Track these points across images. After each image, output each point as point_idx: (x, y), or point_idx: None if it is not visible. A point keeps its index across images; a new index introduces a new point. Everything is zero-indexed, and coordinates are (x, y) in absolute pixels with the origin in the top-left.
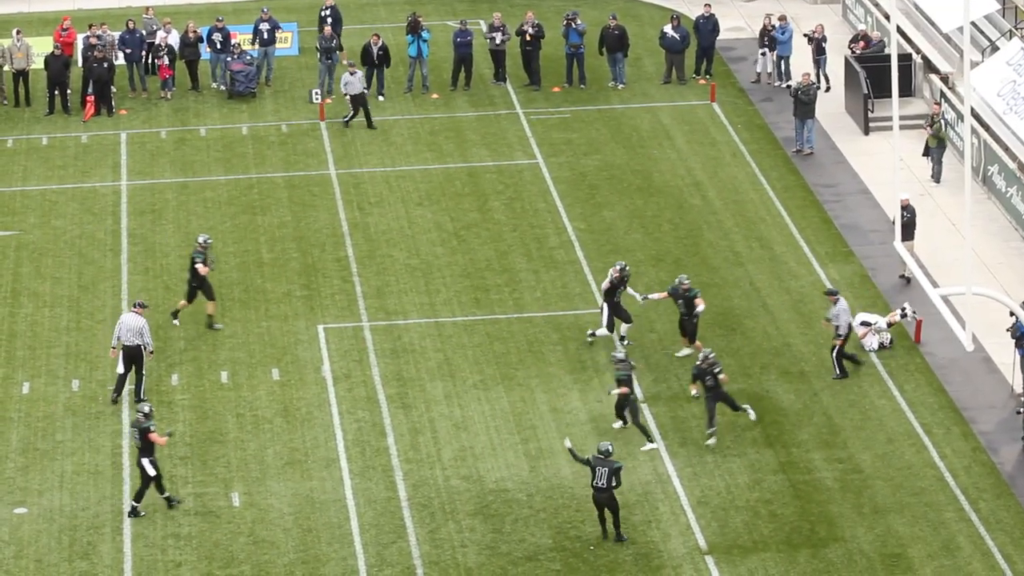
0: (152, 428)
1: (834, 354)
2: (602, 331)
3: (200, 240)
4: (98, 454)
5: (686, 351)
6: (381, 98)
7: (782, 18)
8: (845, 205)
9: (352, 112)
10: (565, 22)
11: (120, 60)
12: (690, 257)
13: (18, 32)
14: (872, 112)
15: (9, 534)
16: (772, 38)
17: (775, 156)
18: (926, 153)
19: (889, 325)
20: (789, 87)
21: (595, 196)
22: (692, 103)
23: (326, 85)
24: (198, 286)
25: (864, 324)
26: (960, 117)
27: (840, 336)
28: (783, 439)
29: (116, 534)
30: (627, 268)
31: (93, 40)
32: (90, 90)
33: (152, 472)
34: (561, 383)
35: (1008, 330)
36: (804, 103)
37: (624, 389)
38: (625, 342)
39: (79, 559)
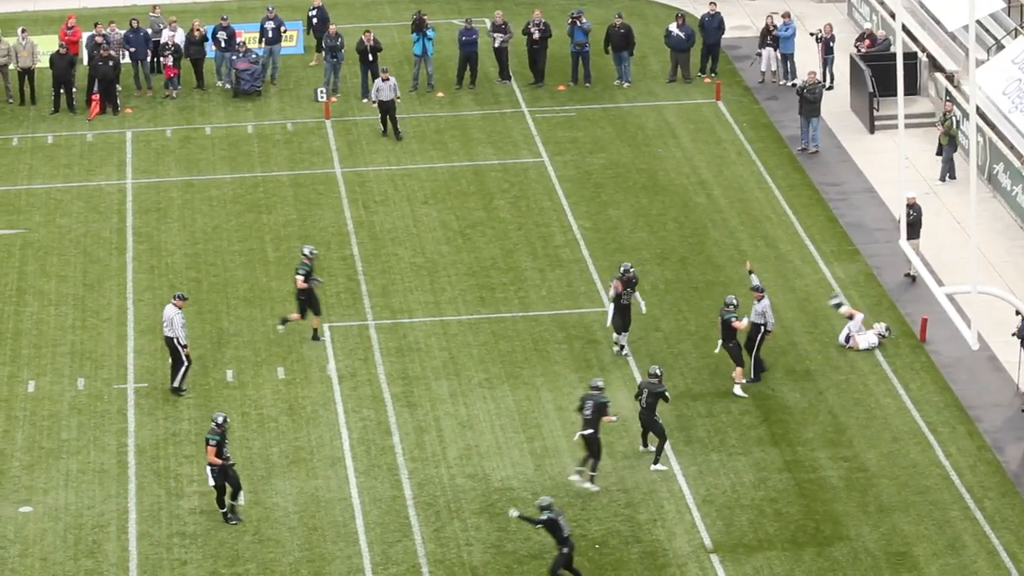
0: (211, 441)
1: (754, 355)
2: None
3: (305, 251)
4: (103, 453)
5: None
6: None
7: (786, 15)
8: (850, 203)
9: (383, 121)
10: (570, 20)
11: (126, 59)
12: (695, 256)
13: (23, 30)
14: (877, 110)
15: (15, 532)
16: (775, 36)
17: (780, 155)
18: (940, 152)
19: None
20: (794, 85)
21: (600, 194)
22: (697, 101)
23: (332, 83)
24: (306, 300)
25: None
26: (965, 116)
27: (768, 333)
28: (788, 437)
29: (121, 532)
30: (631, 269)
31: (98, 39)
32: (95, 89)
33: (211, 482)
34: (566, 381)
35: (1014, 334)
36: (809, 101)
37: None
38: (623, 351)
39: (84, 557)
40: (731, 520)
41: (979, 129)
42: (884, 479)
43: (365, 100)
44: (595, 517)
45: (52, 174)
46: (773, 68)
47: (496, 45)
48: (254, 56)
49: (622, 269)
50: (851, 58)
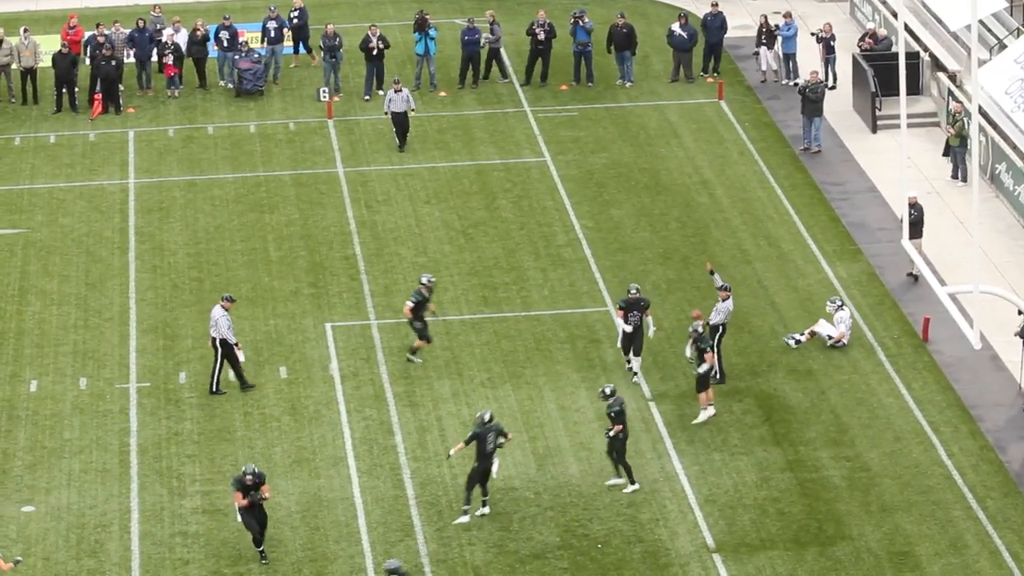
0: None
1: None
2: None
3: (423, 280)
4: (106, 452)
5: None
6: (381, 92)
7: (787, 15)
8: (853, 203)
9: (396, 132)
10: (572, 20)
11: (130, 58)
12: (698, 255)
13: (25, 30)
14: (880, 110)
15: (17, 532)
16: (772, 36)
17: (783, 154)
18: (947, 152)
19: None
20: (796, 85)
21: (603, 194)
22: (700, 101)
23: (332, 83)
24: (422, 326)
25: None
26: (967, 115)
27: (719, 332)
28: (791, 437)
29: (124, 532)
30: (639, 289)
31: (100, 38)
32: (97, 88)
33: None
34: (569, 381)
35: (1017, 334)
36: (812, 101)
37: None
38: (635, 377)
39: (87, 557)
40: (733, 520)
41: (981, 129)
42: (886, 479)
43: (367, 98)
44: (597, 517)
45: (54, 174)
46: (775, 67)
47: (481, 44)
48: (256, 56)
49: (630, 291)
50: (853, 58)
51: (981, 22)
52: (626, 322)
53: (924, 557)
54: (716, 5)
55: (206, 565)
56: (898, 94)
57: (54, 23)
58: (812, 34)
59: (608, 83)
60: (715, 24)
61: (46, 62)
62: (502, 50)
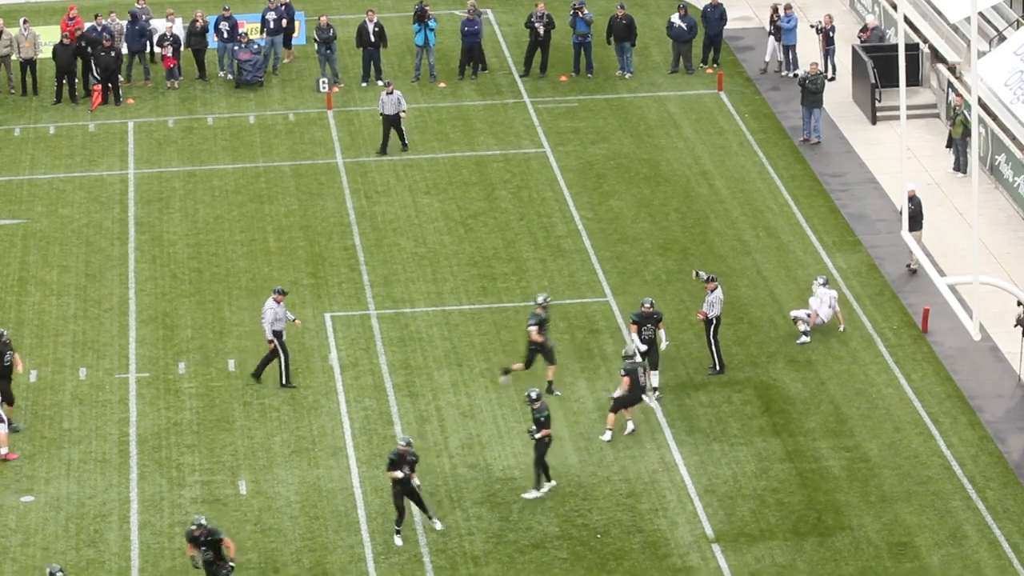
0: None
1: (714, 347)
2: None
3: (539, 300)
4: (105, 442)
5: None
6: (380, 83)
7: (788, 7)
8: (852, 194)
9: (384, 135)
10: (572, 11)
11: (126, 50)
12: (697, 246)
13: (25, 21)
14: (879, 101)
15: (16, 522)
16: (777, 27)
17: (782, 145)
18: (950, 144)
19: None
20: (796, 76)
21: (602, 185)
22: (699, 92)
23: (328, 74)
24: (536, 349)
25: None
26: (967, 107)
27: (713, 323)
28: (790, 427)
29: (123, 522)
30: (653, 303)
31: (98, 28)
32: (97, 79)
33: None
34: (568, 372)
35: (1016, 324)
36: (811, 92)
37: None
38: (656, 394)
39: (86, 547)
40: (733, 510)
41: (981, 121)
42: (886, 469)
43: (364, 84)
44: (596, 507)
45: (54, 164)
46: (779, 59)
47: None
48: (256, 47)
49: (644, 305)
50: (853, 49)
51: (980, 14)
52: (640, 336)
53: (923, 547)
54: None
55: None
56: (898, 85)
57: (54, 14)
58: (812, 26)
59: (608, 74)
60: (715, 15)
61: (45, 53)
62: (482, 43)
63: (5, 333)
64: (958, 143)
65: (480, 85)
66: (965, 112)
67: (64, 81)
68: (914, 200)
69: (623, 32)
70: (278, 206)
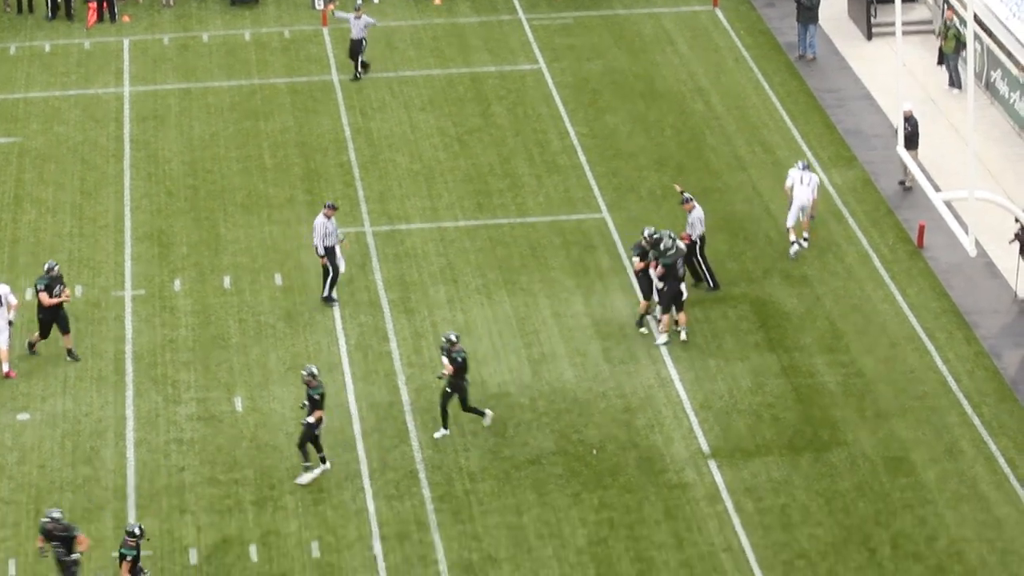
0: (128, 556)
1: (704, 266)
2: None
3: (645, 234)
4: (101, 360)
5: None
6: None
7: None
8: (848, 110)
9: (350, 55)
10: None
11: None
12: (692, 162)
13: None
14: (875, 17)
15: (12, 440)
16: None
17: (777, 61)
18: (941, 61)
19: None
20: None
21: (597, 101)
22: (695, 8)
23: None
24: (647, 282)
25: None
26: (963, 22)
27: (697, 243)
28: (785, 343)
29: (119, 439)
30: (655, 233)
31: None
32: None
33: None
34: (564, 288)
35: (1012, 240)
36: (807, 8)
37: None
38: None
39: (82, 464)
40: (728, 425)
41: (977, 36)
42: (881, 384)
43: (360, 1)
44: (592, 423)
45: (50, 82)
46: None
47: None
48: None
49: (645, 233)
50: None
51: None
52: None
53: (919, 463)
54: None
55: (201, 472)
56: (893, 1)
57: None
58: None
59: None
60: None
61: None
62: None
63: (57, 267)
64: (950, 58)
65: (475, 2)
66: (957, 26)
67: None
68: (911, 120)
69: None
70: (273, 123)
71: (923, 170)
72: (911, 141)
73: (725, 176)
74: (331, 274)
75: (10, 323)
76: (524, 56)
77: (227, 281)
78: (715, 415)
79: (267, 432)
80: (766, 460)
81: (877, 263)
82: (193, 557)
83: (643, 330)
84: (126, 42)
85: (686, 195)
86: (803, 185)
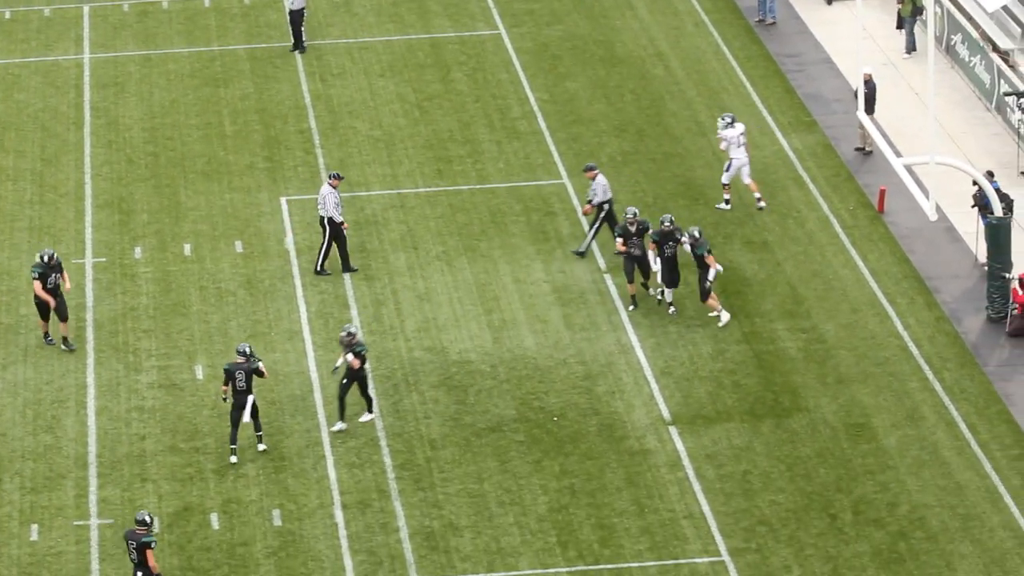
0: (152, 543)
1: (593, 230)
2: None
3: (628, 216)
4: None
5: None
6: None
7: None
8: (808, 75)
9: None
10: None
11: None
12: (653, 127)
13: None
14: None
15: None
16: None
17: (737, 26)
18: (900, 25)
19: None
20: None
21: (558, 67)
22: None
23: None
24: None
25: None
26: None
27: (601, 210)
28: (746, 309)
29: (80, 408)
30: (672, 221)
31: None
32: None
33: None
34: (524, 254)
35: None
36: None
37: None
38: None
39: (43, 433)
40: (689, 392)
41: (937, 0)
42: (842, 350)
43: None
44: (553, 389)
45: (9, 49)
46: None
47: None
48: None
49: (663, 224)
50: None
51: None
52: (662, 254)
53: (880, 428)
54: None
55: (162, 440)
56: None
57: None
58: None
59: None
60: None
61: None
62: None
63: (51, 255)
64: (908, 21)
65: None
66: None
67: None
68: (869, 84)
69: None
70: (233, 90)
71: (884, 135)
72: (868, 105)
73: (685, 141)
74: (324, 247)
75: None
76: (484, 21)
77: (188, 248)
78: (676, 382)
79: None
80: (727, 426)
81: (838, 228)
82: (155, 525)
83: (658, 297)
84: (86, 9)
85: (589, 164)
86: (739, 147)
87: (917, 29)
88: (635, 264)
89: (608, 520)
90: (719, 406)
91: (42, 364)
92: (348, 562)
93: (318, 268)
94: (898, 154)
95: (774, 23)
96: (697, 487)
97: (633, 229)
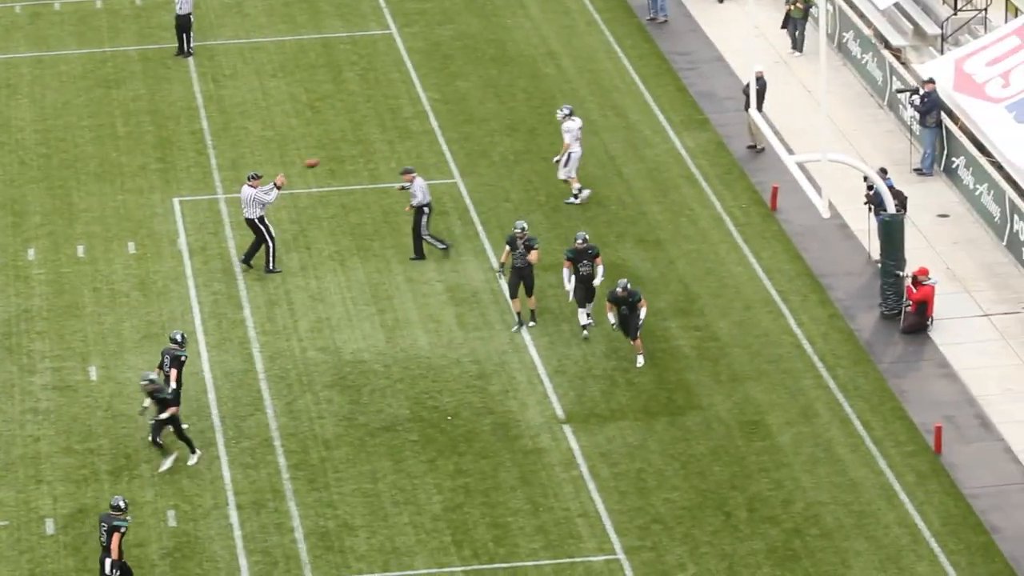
0: (122, 527)
1: (426, 235)
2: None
3: (516, 230)
4: None
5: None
6: None
7: None
8: (700, 73)
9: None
10: None
11: None
12: (544, 126)
13: None
14: None
15: None
16: None
17: (629, 24)
18: (785, 25)
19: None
20: None
21: (449, 66)
22: None
23: None
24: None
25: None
26: None
27: (421, 212)
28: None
29: None
30: (586, 238)
31: None
32: None
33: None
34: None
35: (865, 202)
36: None
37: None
38: (588, 325)
39: None
40: (583, 390)
41: None
42: (736, 348)
43: None
44: (447, 389)
45: None
46: None
47: None
48: None
49: (577, 241)
50: None
51: None
52: (577, 272)
53: (775, 426)
54: None
55: (56, 441)
56: None
57: None
58: None
59: None
60: None
61: None
62: None
63: None
64: (797, 22)
65: None
66: None
67: None
68: (760, 81)
69: None
70: (125, 91)
71: (776, 132)
72: (759, 103)
73: None
74: (269, 244)
75: None
76: (375, 21)
77: (81, 250)
78: (569, 380)
79: (121, 401)
80: (621, 425)
81: (730, 226)
82: (50, 527)
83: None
84: None
85: (407, 167)
86: (577, 140)
87: (808, 26)
88: (520, 278)
89: (503, 519)
90: (613, 404)
91: None
92: (243, 562)
93: (270, 267)
94: (790, 151)
95: (666, 21)
96: (592, 486)
97: (520, 244)
